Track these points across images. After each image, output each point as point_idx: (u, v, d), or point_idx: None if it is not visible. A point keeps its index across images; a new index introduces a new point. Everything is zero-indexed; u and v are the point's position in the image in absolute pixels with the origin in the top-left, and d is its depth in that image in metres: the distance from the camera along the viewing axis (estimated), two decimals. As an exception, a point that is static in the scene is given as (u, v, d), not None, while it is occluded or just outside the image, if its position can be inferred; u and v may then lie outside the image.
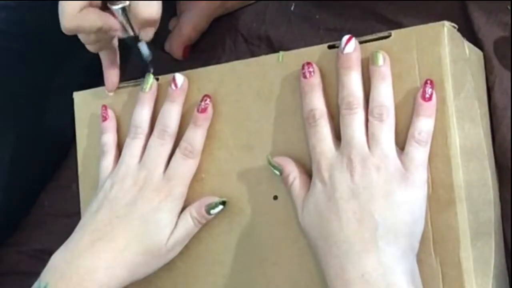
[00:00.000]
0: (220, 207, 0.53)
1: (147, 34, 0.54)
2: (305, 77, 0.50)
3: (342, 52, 0.48)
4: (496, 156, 0.54)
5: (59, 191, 0.76)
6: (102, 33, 0.53)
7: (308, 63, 0.50)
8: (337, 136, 0.49)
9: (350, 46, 0.48)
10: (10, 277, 0.76)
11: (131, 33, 0.54)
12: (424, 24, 0.47)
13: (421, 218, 0.46)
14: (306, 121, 0.49)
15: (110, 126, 0.59)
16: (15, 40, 0.68)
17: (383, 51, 0.48)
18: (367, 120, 0.47)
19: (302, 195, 0.49)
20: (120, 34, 0.54)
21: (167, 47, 0.72)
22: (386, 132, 0.46)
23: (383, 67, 0.47)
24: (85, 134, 0.62)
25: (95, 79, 0.71)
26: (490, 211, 0.52)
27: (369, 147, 0.46)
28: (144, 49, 0.57)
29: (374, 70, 0.47)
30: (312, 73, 0.49)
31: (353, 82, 0.48)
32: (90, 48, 0.56)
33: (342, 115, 0.48)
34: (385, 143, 0.46)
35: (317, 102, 0.49)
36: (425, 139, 0.46)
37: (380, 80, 0.47)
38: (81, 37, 0.55)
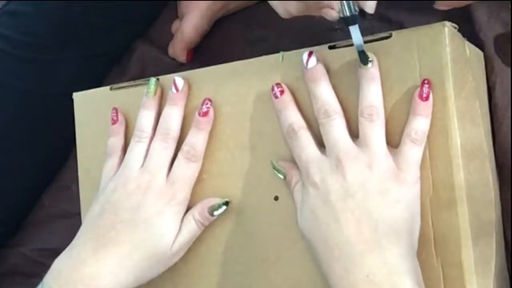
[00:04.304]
0: (223, 207, 0.53)
1: (371, 5, 0.45)
2: (276, 97, 0.51)
3: (306, 67, 0.49)
4: (497, 156, 0.54)
5: (60, 191, 0.76)
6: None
7: (277, 84, 0.51)
8: (322, 146, 0.49)
9: (312, 60, 0.49)
10: (11, 277, 0.76)
11: (347, 13, 0.46)
12: (425, 25, 0.47)
13: (418, 215, 0.46)
14: (287, 136, 0.50)
15: (118, 129, 0.58)
16: (21, 47, 0.68)
17: (384, 51, 0.48)
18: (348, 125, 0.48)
19: (301, 200, 0.49)
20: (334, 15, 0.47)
21: (170, 51, 0.72)
22: (377, 132, 0.47)
23: (372, 68, 0.47)
24: (85, 134, 0.62)
25: (97, 83, 0.71)
26: (491, 211, 0.52)
27: (359, 147, 0.47)
28: (356, 34, 0.47)
29: (362, 72, 0.48)
30: (283, 92, 0.51)
31: (325, 92, 0.49)
32: None
33: (321, 124, 0.48)
34: (376, 142, 0.46)
35: (293, 116, 0.50)
36: (420, 139, 0.46)
37: (369, 81, 0.47)
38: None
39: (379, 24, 0.60)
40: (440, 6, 0.50)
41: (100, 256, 0.51)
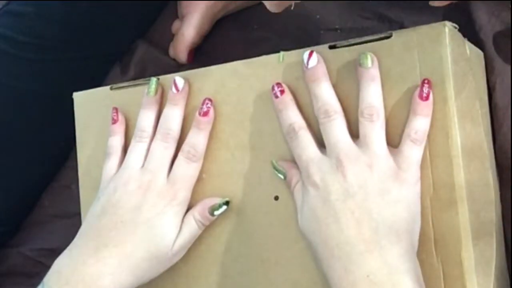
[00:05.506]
0: (224, 207, 0.53)
1: None
2: (276, 97, 0.51)
3: (306, 67, 0.49)
4: (497, 156, 0.54)
5: (60, 191, 0.76)
6: None
7: (277, 83, 0.51)
8: (322, 146, 0.49)
9: (313, 60, 0.49)
10: (10, 277, 0.76)
11: None
12: (425, 24, 0.47)
13: (418, 215, 0.46)
14: (287, 136, 0.50)
15: (118, 129, 0.58)
16: (21, 47, 0.69)
17: (384, 51, 0.48)
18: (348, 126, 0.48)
19: (301, 200, 0.49)
20: None
21: (171, 52, 0.72)
22: (377, 132, 0.47)
23: (372, 68, 0.47)
24: (85, 134, 0.62)
25: (97, 83, 0.71)
26: (491, 211, 0.52)
27: (360, 147, 0.47)
28: None
29: (362, 72, 0.48)
30: (283, 92, 0.50)
31: (325, 92, 0.49)
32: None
33: (321, 124, 0.48)
34: (376, 142, 0.46)
35: (294, 116, 0.50)
36: (420, 138, 0.46)
37: (369, 81, 0.47)
38: None
39: (379, 24, 0.60)
40: (434, 4, 0.50)
41: (100, 256, 0.51)
